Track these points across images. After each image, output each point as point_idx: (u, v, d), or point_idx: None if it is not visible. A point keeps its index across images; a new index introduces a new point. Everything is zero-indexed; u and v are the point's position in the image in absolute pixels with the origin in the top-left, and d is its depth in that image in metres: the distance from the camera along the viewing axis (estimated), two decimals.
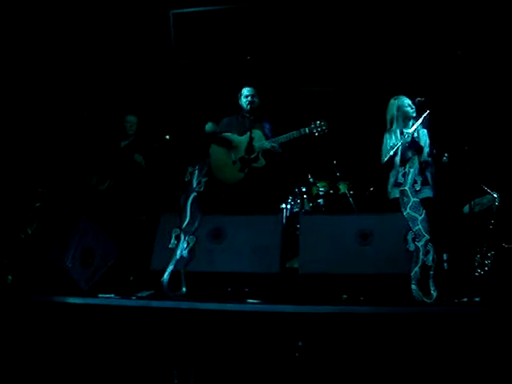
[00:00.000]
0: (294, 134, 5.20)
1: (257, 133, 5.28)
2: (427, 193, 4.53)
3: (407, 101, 4.88)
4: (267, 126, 5.45)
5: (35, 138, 6.18)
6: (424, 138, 4.74)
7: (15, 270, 4.12)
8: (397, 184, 4.25)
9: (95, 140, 6.14)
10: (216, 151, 5.44)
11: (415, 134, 4.72)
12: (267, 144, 5.21)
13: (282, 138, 5.23)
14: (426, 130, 4.79)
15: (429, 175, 4.65)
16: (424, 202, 3.97)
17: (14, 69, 6.07)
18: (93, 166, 5.71)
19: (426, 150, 4.66)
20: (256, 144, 5.22)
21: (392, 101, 4.96)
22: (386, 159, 4.78)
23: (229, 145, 5.37)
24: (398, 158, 4.86)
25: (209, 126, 5.44)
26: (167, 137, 5.61)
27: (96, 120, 6.08)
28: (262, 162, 5.22)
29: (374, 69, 6.59)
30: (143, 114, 6.12)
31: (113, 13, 6.32)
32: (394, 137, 4.91)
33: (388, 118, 4.95)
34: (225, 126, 5.53)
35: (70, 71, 6.54)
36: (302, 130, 5.20)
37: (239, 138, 5.38)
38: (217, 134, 5.42)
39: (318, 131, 5.20)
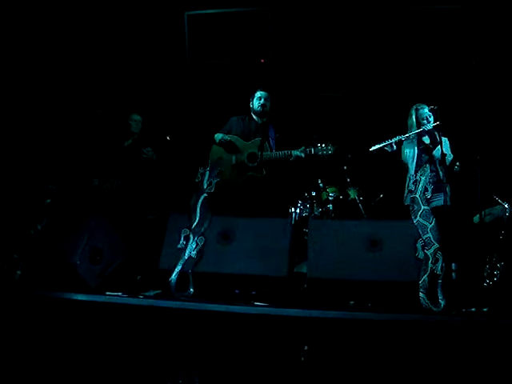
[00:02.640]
0: (299, 152, 5.20)
1: (264, 143, 5.27)
2: (439, 201, 4.54)
3: (426, 110, 4.91)
4: (272, 133, 5.44)
5: (46, 134, 6.21)
6: (446, 146, 4.77)
7: (24, 265, 4.13)
8: (409, 191, 4.25)
9: (101, 138, 6.17)
10: (218, 150, 5.44)
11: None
12: (265, 156, 5.19)
13: (286, 152, 5.22)
14: (446, 138, 4.83)
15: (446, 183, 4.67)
16: (437, 211, 3.97)
17: (27, 67, 6.11)
18: (94, 167, 5.72)
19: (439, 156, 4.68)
20: (258, 153, 5.22)
21: (413, 108, 5.02)
22: (375, 147, 4.86)
23: (232, 148, 5.37)
24: (411, 164, 4.91)
25: (218, 136, 5.45)
26: (168, 137, 5.60)
27: (104, 118, 6.10)
28: (262, 172, 5.21)
29: (388, 76, 6.59)
30: (149, 113, 6.13)
31: (126, 12, 6.35)
32: (411, 144, 4.98)
33: (408, 124, 5.02)
34: (233, 125, 5.53)
35: (81, 70, 6.57)
36: (307, 149, 5.20)
37: (244, 142, 5.37)
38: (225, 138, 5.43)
39: (322, 154, 5.20)
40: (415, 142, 5.03)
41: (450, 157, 4.83)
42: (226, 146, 5.39)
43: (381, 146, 4.96)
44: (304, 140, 5.43)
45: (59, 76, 6.41)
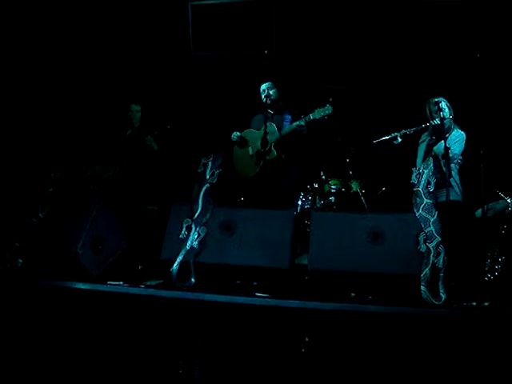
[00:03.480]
0: (301, 122, 5.21)
1: (271, 126, 5.29)
2: (454, 196, 4.52)
3: (432, 104, 4.90)
4: (288, 117, 5.46)
5: (48, 123, 6.21)
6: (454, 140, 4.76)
7: (26, 253, 4.14)
8: (412, 184, 4.24)
9: (102, 127, 6.16)
10: (236, 154, 5.59)
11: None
12: (283, 132, 5.24)
13: (291, 126, 5.25)
14: (462, 133, 4.81)
15: (454, 178, 4.66)
16: (450, 206, 3.97)
17: (28, 57, 6.11)
18: (96, 155, 5.72)
19: (441, 151, 4.65)
20: (269, 137, 5.24)
21: (427, 102, 5.02)
22: (379, 140, 4.87)
23: (246, 141, 5.43)
24: (419, 159, 4.91)
25: (234, 135, 5.50)
26: (168, 127, 5.61)
27: (107, 107, 6.10)
28: (273, 153, 5.26)
29: (392, 69, 6.56)
30: (152, 103, 6.13)
31: (130, 2, 6.33)
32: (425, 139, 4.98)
33: (427, 116, 5.02)
34: (253, 122, 5.63)
35: (84, 60, 6.55)
36: (305, 117, 5.20)
37: (256, 131, 5.43)
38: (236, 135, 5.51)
39: (322, 116, 5.19)
40: (428, 137, 5.04)
41: (451, 153, 4.75)
42: (240, 143, 5.46)
43: (385, 138, 4.97)
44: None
45: (61, 66, 6.41)
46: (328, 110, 5.15)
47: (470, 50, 6.08)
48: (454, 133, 4.82)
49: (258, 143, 5.33)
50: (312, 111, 5.20)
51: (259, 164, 5.32)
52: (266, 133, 5.21)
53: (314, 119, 5.17)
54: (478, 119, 5.97)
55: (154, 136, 5.56)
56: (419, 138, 5.08)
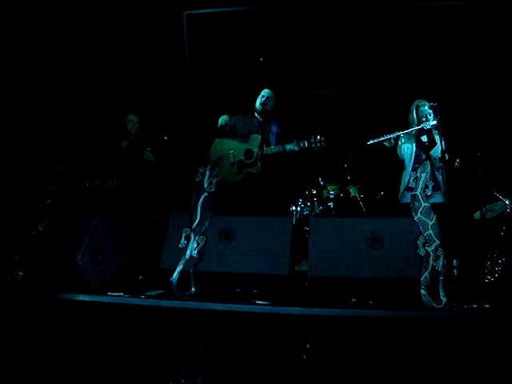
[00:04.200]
0: (292, 146, 5.20)
1: (257, 138, 5.27)
2: (438, 198, 4.52)
3: (427, 108, 4.91)
4: (274, 129, 5.44)
5: (46, 135, 6.22)
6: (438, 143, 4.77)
7: (26, 266, 4.13)
8: (408, 188, 4.24)
9: (99, 139, 6.17)
10: (217, 149, 5.45)
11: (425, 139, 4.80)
12: (265, 152, 5.21)
13: (281, 147, 5.22)
14: (438, 136, 4.81)
15: (440, 181, 4.66)
16: (435, 208, 3.97)
17: (27, 69, 6.11)
18: (94, 168, 5.72)
19: (438, 154, 4.67)
20: (254, 150, 5.22)
21: (413, 105, 5.03)
22: (373, 141, 4.89)
23: (231, 145, 5.38)
24: (409, 161, 4.93)
25: (222, 119, 5.45)
26: (165, 137, 5.60)
27: (103, 118, 6.10)
28: (258, 167, 5.20)
29: (388, 73, 6.58)
30: (147, 113, 6.13)
31: (125, 12, 6.34)
32: (410, 141, 4.99)
33: (409, 120, 5.04)
34: (236, 120, 5.54)
35: (81, 71, 6.57)
36: (300, 142, 5.20)
37: (242, 139, 5.39)
38: (223, 129, 5.44)
39: (317, 146, 5.19)
40: (413, 139, 5.05)
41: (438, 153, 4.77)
42: (227, 135, 5.42)
43: (379, 140, 4.99)
44: (301, 135, 5.42)
45: (59, 77, 6.41)
46: (323, 143, 5.15)
47: (466, 52, 6.10)
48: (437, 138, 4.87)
49: (241, 153, 5.31)
50: (308, 138, 5.20)
51: (240, 174, 5.27)
52: (262, 146, 5.17)
53: (309, 147, 5.17)
54: (476, 121, 6.00)
55: (151, 147, 5.56)
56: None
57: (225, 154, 5.37)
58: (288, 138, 5.32)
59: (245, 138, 5.38)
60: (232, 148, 5.37)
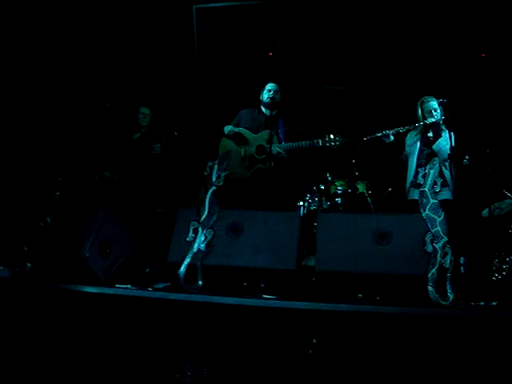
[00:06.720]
0: (307, 143, 5.21)
1: (267, 134, 5.28)
2: (446, 195, 4.52)
3: (433, 103, 4.89)
4: (281, 127, 5.45)
5: (55, 127, 6.24)
6: (446, 140, 4.74)
7: (34, 257, 4.16)
8: (416, 185, 4.24)
9: (110, 131, 6.18)
10: (227, 144, 5.45)
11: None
12: (273, 149, 5.20)
13: (293, 145, 5.23)
14: (447, 132, 4.79)
15: (448, 177, 4.64)
16: (442, 204, 3.96)
17: (38, 61, 6.14)
18: (104, 160, 5.74)
19: (443, 148, 4.67)
20: (267, 146, 5.22)
21: (420, 101, 5.01)
22: (369, 137, 4.87)
23: (241, 140, 5.38)
24: (414, 158, 4.91)
25: (227, 129, 5.46)
26: (175, 133, 5.61)
27: (114, 111, 6.12)
28: (270, 164, 5.22)
29: (399, 68, 6.56)
30: (158, 106, 6.14)
31: (135, 6, 6.35)
32: (415, 137, 4.97)
33: (417, 117, 5.02)
34: (242, 117, 5.54)
35: (92, 64, 6.58)
36: (315, 140, 5.21)
37: (253, 135, 5.38)
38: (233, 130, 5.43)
39: (331, 145, 5.20)
40: (419, 135, 5.04)
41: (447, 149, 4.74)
42: (235, 138, 5.41)
43: (375, 136, 4.98)
44: (312, 133, 5.43)
45: (70, 70, 6.44)
46: (338, 141, 5.16)
47: (474, 50, 6.06)
48: (445, 134, 4.85)
49: (253, 148, 5.31)
50: (322, 137, 5.20)
51: (251, 169, 5.28)
52: (271, 140, 5.18)
53: (323, 145, 5.18)
54: (485, 118, 5.97)
55: (161, 142, 5.57)
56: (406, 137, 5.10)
57: (234, 148, 5.37)
58: (300, 134, 5.32)
59: (256, 133, 5.38)
60: (243, 143, 5.37)
